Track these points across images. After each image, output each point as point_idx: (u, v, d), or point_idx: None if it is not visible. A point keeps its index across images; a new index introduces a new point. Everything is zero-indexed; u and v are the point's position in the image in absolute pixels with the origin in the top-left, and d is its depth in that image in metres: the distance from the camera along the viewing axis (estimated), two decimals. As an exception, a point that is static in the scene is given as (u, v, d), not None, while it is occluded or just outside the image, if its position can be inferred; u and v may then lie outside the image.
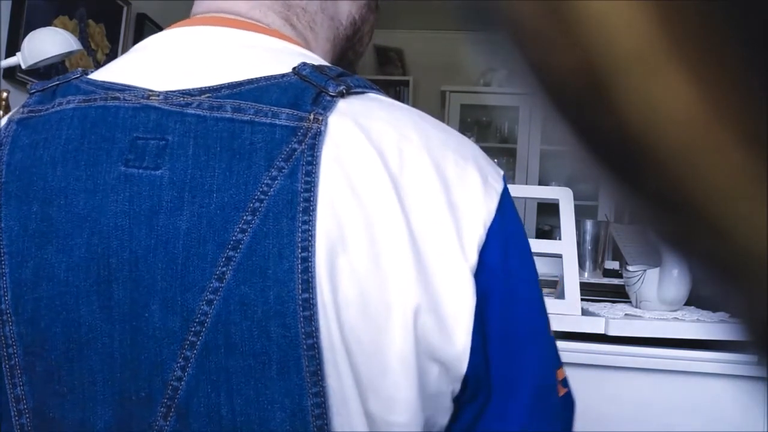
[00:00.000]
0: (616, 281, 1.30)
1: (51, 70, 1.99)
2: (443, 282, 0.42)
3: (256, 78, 0.45)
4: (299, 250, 0.40)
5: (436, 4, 3.51)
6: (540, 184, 3.57)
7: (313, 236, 0.40)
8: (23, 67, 1.42)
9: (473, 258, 0.43)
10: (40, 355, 0.43)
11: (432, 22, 3.87)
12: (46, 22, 2.14)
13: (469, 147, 0.48)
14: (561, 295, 0.97)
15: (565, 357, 0.91)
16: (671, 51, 0.12)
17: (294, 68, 0.46)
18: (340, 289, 0.41)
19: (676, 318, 0.96)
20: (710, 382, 0.91)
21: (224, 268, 0.40)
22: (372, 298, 0.41)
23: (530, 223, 3.67)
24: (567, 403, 0.50)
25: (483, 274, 0.44)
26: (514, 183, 3.68)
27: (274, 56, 0.48)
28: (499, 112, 3.82)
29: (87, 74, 0.50)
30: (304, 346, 0.40)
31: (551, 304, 0.95)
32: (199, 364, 0.41)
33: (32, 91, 0.49)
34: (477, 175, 0.46)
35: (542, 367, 0.47)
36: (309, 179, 0.41)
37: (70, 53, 1.43)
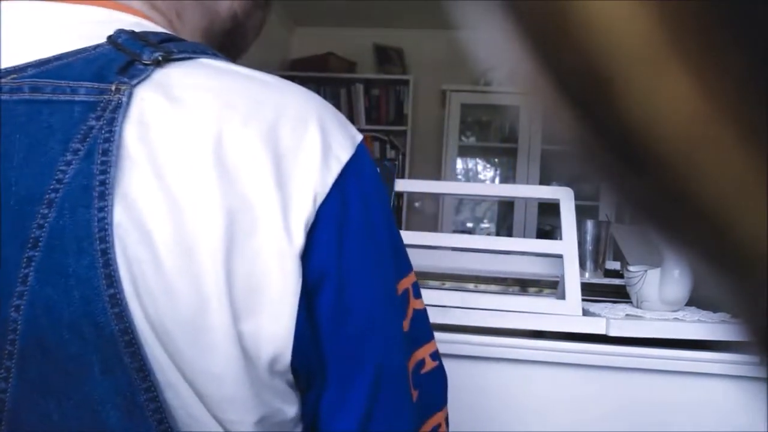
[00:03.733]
0: (617, 281, 1.29)
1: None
2: (264, 264, 0.39)
3: (65, 53, 0.41)
4: (98, 242, 0.37)
5: (436, 3, 3.51)
6: (541, 183, 3.57)
7: (110, 224, 0.37)
8: (23, 66, 1.42)
9: (299, 239, 0.39)
10: None
11: (432, 21, 3.87)
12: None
13: (315, 111, 0.42)
14: (562, 296, 0.96)
15: (565, 358, 0.91)
16: (672, 50, 0.12)
17: (109, 37, 0.41)
18: (141, 282, 0.37)
19: (677, 318, 0.96)
20: (711, 383, 0.91)
21: (26, 270, 0.37)
22: (182, 291, 0.38)
23: (531, 223, 3.67)
24: (435, 377, 0.47)
25: (314, 258, 0.40)
26: (515, 182, 3.68)
27: (97, 29, 0.43)
28: (499, 112, 3.82)
29: None
30: (122, 344, 0.37)
31: (552, 304, 0.95)
32: (19, 374, 0.38)
33: None
34: (318, 143, 0.41)
35: (383, 355, 0.43)
36: (105, 159, 0.37)
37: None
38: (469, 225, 4.02)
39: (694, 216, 0.13)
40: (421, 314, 0.47)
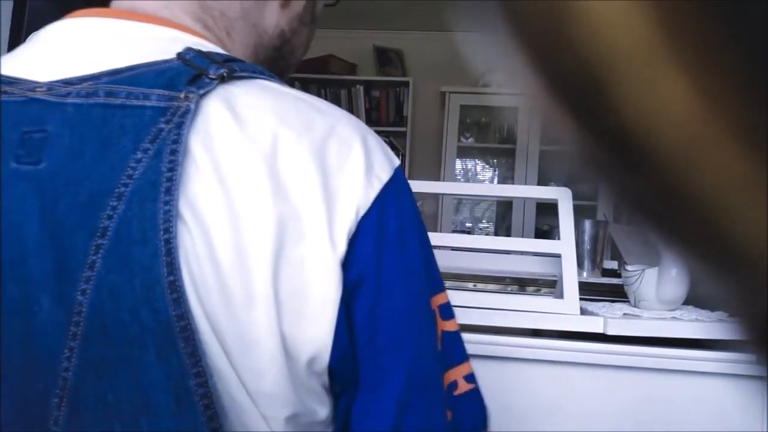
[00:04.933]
0: (614, 281, 1.30)
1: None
2: (310, 269, 0.41)
3: (138, 64, 0.44)
4: (162, 233, 0.40)
5: (436, 4, 3.51)
6: (539, 184, 3.57)
7: (174, 217, 0.40)
8: (24, 67, 1.42)
9: (342, 247, 0.42)
10: None
11: (432, 23, 3.87)
12: (48, 23, 2.14)
13: (359, 134, 0.46)
14: (560, 295, 0.97)
15: (563, 356, 0.91)
16: (669, 50, 0.12)
17: (179, 53, 0.45)
18: (198, 274, 0.40)
19: (674, 317, 0.96)
20: (709, 382, 0.91)
21: (94, 257, 0.40)
22: (233, 287, 0.40)
23: (529, 223, 3.67)
24: (469, 400, 0.48)
25: (353, 266, 0.43)
26: (513, 183, 3.68)
27: (167, 45, 0.47)
28: (498, 113, 3.81)
29: None
30: (177, 329, 0.40)
31: (550, 303, 0.95)
32: (81, 354, 0.41)
33: None
34: (361, 162, 0.44)
35: (415, 363, 0.45)
36: (173, 158, 0.40)
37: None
38: (468, 225, 4.02)
39: (691, 215, 0.13)
40: (453, 335, 0.48)
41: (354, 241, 0.43)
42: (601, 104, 0.13)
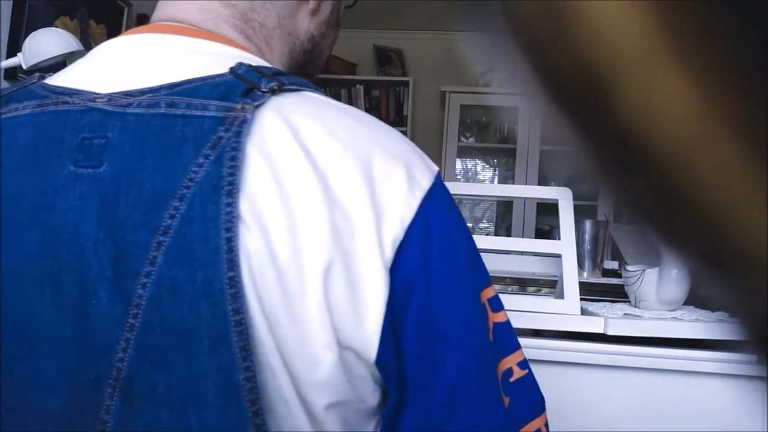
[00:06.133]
0: (615, 281, 1.30)
1: (52, 71, 1.99)
2: (359, 269, 0.44)
3: (194, 78, 0.48)
4: (223, 231, 0.42)
5: (436, 4, 3.51)
6: (539, 184, 3.57)
7: (236, 217, 0.42)
8: (24, 67, 1.42)
9: (389, 254, 0.45)
10: None
11: (432, 23, 3.87)
12: (47, 23, 2.14)
13: (399, 145, 0.49)
14: (560, 295, 0.97)
15: (564, 356, 0.91)
16: (669, 50, 0.12)
17: (231, 68, 0.48)
18: (257, 270, 0.43)
19: (675, 317, 0.96)
20: (709, 382, 0.91)
21: (155, 253, 0.43)
22: (291, 282, 0.43)
23: (530, 223, 3.67)
24: (525, 385, 0.50)
25: (401, 272, 0.45)
26: (513, 183, 3.68)
27: (218, 60, 0.50)
28: (498, 113, 3.82)
29: (44, 79, 0.53)
30: (233, 322, 0.42)
31: (551, 303, 0.95)
32: (137, 345, 0.43)
33: None
34: (403, 172, 0.47)
35: (465, 361, 0.47)
36: (233, 164, 0.43)
37: (71, 54, 1.43)
38: (469, 225, 4.02)
39: (691, 215, 0.13)
40: (503, 325, 0.51)
41: (401, 249, 0.45)
42: (601, 104, 0.13)
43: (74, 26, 2.37)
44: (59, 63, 1.52)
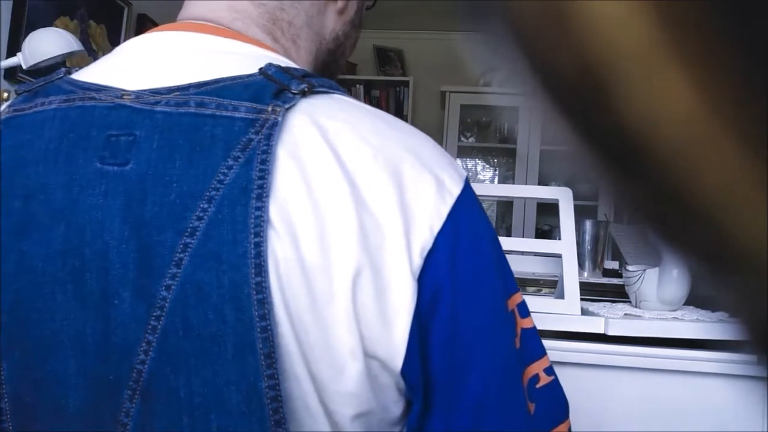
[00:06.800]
0: (615, 281, 1.30)
1: (52, 71, 1.99)
2: (388, 276, 0.43)
3: (223, 78, 0.47)
4: (252, 236, 0.41)
5: (436, 4, 3.51)
6: (540, 184, 3.57)
7: (265, 222, 0.42)
8: (24, 67, 1.42)
9: (417, 260, 0.44)
10: (18, 342, 0.45)
11: (432, 23, 3.87)
12: (47, 23, 2.14)
13: (429, 150, 0.49)
14: (560, 295, 0.97)
15: (564, 357, 0.91)
16: (670, 50, 0.12)
17: (261, 69, 0.48)
18: (285, 276, 0.42)
19: (675, 318, 0.96)
20: (709, 382, 0.91)
21: (181, 255, 0.42)
22: (319, 287, 0.42)
23: (530, 222, 3.67)
24: (551, 392, 0.50)
25: (429, 279, 0.44)
26: (513, 183, 3.68)
27: (246, 60, 0.50)
28: (499, 113, 3.82)
29: (70, 74, 0.52)
30: (258, 329, 0.41)
31: (551, 303, 0.95)
32: (159, 348, 0.42)
33: (20, 91, 0.52)
34: (432, 178, 0.46)
35: (492, 367, 0.47)
36: (264, 167, 0.43)
37: (71, 54, 1.43)
38: (469, 225, 4.02)
39: (691, 216, 0.13)
40: (530, 331, 0.50)
41: (430, 256, 0.44)
42: (601, 104, 0.13)
43: (74, 26, 2.38)
44: (59, 63, 1.52)
